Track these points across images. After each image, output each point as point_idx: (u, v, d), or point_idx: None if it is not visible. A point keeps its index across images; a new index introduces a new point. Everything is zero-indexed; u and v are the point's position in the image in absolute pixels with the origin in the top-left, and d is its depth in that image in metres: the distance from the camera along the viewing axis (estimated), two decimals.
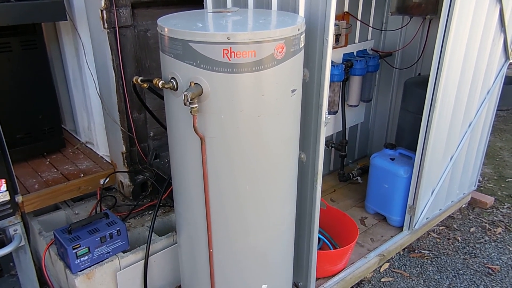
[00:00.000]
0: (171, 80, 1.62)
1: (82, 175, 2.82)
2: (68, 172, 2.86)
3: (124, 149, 2.78)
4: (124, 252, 2.33)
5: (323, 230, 2.83)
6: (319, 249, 2.58)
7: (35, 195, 2.60)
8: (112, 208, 2.78)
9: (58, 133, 3.08)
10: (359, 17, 3.26)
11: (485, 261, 2.97)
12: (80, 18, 2.73)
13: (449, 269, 2.89)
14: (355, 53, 3.31)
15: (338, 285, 2.59)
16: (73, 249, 2.11)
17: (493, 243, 3.15)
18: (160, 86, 1.64)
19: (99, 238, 2.20)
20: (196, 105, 1.54)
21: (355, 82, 3.28)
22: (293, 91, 1.71)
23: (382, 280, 2.79)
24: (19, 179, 2.74)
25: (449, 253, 3.05)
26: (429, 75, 2.54)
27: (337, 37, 3.04)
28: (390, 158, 3.04)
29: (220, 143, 1.66)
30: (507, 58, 3.02)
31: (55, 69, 3.23)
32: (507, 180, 4.04)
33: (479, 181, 3.69)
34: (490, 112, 3.19)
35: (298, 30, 1.62)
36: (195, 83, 1.54)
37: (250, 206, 1.81)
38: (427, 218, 3.06)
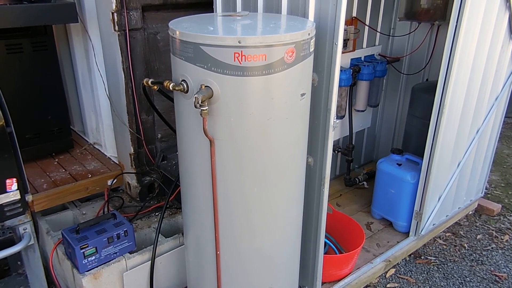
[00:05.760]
0: (182, 82, 1.63)
1: (90, 176, 2.84)
2: (76, 173, 2.88)
3: (132, 150, 2.80)
4: (131, 253, 2.34)
5: (329, 234, 2.83)
6: (325, 253, 2.57)
7: (43, 194, 2.63)
8: (119, 209, 2.80)
9: (66, 134, 3.11)
10: (367, 22, 3.27)
11: (492, 269, 2.95)
12: (90, 20, 2.76)
13: (455, 276, 2.88)
14: (362, 58, 3.32)
15: None
16: (81, 249, 2.13)
17: (500, 251, 3.13)
18: (170, 88, 1.65)
19: (106, 239, 2.21)
20: (206, 107, 1.55)
21: (363, 87, 3.28)
22: (302, 95, 1.72)
23: (388, 286, 2.78)
24: (28, 178, 2.76)
25: (456, 260, 3.03)
26: (437, 81, 2.54)
27: (345, 42, 3.05)
28: (397, 164, 3.04)
29: (229, 146, 1.67)
30: None
31: (64, 70, 3.26)
32: None
33: (486, 188, 3.67)
34: (498, 118, 3.18)
35: (309, 34, 1.63)
36: (205, 86, 1.56)
37: (258, 208, 1.82)
38: (433, 224, 3.05)
